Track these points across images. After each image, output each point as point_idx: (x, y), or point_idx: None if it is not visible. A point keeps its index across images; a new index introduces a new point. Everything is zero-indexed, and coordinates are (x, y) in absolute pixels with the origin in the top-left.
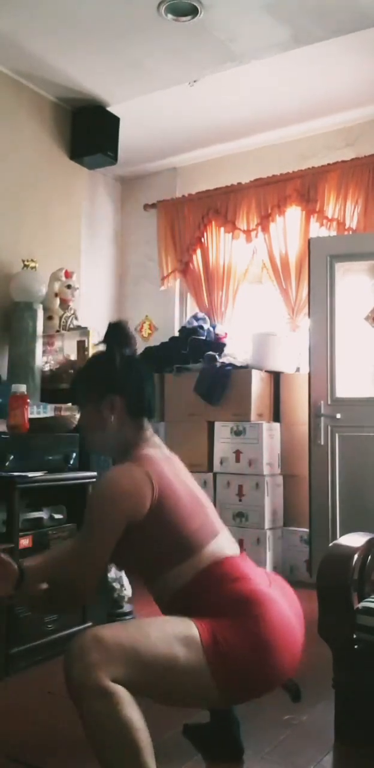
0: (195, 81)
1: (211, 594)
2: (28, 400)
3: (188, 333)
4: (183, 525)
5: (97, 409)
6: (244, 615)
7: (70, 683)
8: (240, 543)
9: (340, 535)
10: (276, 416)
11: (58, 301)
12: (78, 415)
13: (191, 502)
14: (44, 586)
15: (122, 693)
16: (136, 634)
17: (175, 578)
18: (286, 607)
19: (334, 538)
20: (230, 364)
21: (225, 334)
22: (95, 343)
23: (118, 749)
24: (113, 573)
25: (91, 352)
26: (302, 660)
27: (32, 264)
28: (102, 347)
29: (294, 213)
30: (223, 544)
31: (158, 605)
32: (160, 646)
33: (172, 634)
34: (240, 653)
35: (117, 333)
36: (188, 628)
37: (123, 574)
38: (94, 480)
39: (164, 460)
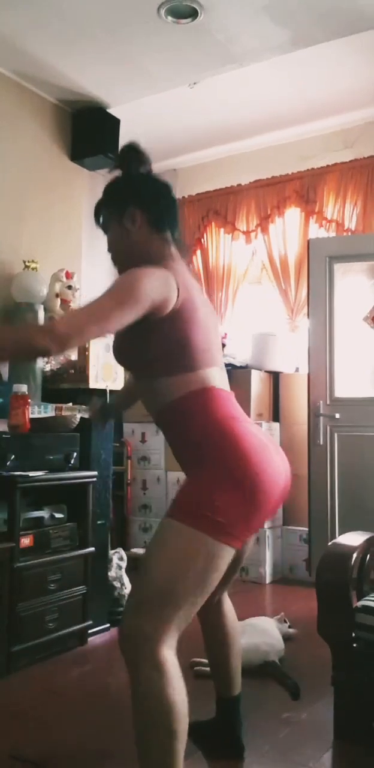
0: (195, 83)
1: (196, 416)
2: (29, 400)
3: None
4: (193, 339)
5: (121, 226)
6: (224, 445)
7: (127, 659)
8: None
9: (339, 534)
10: (276, 416)
11: (59, 301)
12: (107, 239)
13: (205, 321)
14: None
15: (175, 672)
16: (158, 580)
17: (168, 388)
18: (268, 443)
19: (333, 537)
20: (230, 365)
21: (225, 334)
22: (109, 170)
23: (157, 727)
24: (113, 572)
25: (92, 352)
26: (301, 658)
27: (33, 265)
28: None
29: (293, 214)
30: (217, 375)
31: (148, 410)
32: (178, 570)
33: (174, 552)
34: (231, 502)
35: (130, 152)
36: (174, 532)
37: (123, 573)
38: (95, 479)
39: (191, 279)
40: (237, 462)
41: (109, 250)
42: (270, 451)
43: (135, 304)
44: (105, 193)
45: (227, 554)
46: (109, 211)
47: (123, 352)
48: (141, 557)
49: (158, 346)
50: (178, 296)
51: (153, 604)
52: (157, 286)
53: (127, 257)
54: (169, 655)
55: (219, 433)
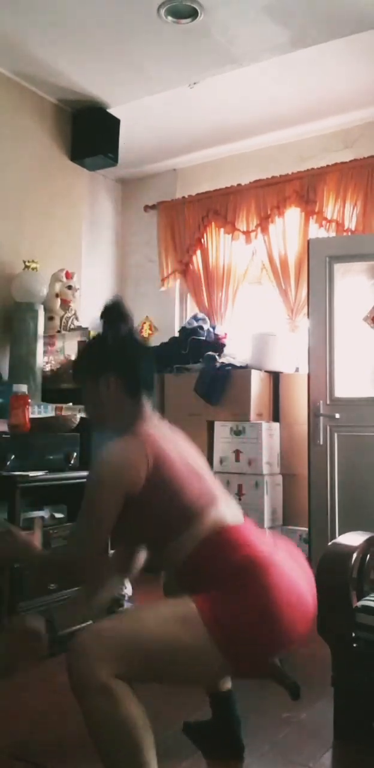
0: (195, 83)
1: (215, 562)
2: (29, 400)
3: (188, 333)
4: (179, 495)
5: (95, 388)
6: (248, 581)
7: (72, 680)
8: None
9: (339, 534)
10: (276, 416)
11: (58, 301)
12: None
13: (188, 473)
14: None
15: (123, 690)
16: (136, 624)
17: (177, 550)
18: (293, 570)
19: (333, 537)
20: (230, 365)
21: (225, 334)
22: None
23: (119, 746)
24: None
25: None
26: (301, 658)
27: (33, 265)
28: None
29: (293, 214)
30: (224, 511)
31: (166, 581)
32: (160, 632)
33: (170, 617)
34: (242, 620)
35: (112, 312)
36: (185, 606)
37: None
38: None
39: (161, 435)
40: (262, 590)
41: (83, 404)
42: (297, 579)
43: (110, 509)
44: (83, 354)
45: (224, 671)
46: (85, 369)
47: (127, 538)
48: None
49: (152, 518)
50: (148, 464)
51: (126, 649)
52: (124, 479)
53: (99, 418)
54: (112, 679)
55: (241, 564)
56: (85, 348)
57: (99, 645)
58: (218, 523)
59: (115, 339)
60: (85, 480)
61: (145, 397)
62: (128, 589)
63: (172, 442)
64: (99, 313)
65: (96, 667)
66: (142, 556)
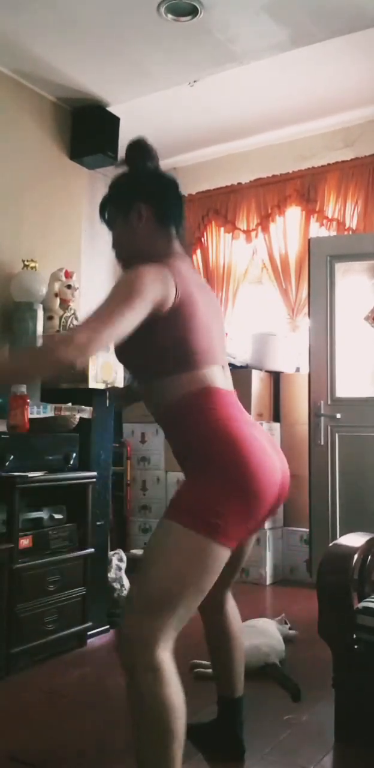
0: (195, 81)
1: (194, 419)
2: (28, 400)
3: None
4: (192, 338)
5: (126, 221)
6: (220, 452)
7: (123, 659)
8: None
9: (340, 535)
10: (276, 416)
11: (58, 301)
12: (111, 236)
13: (206, 323)
14: None
15: (170, 675)
16: (156, 580)
17: (167, 388)
18: (264, 443)
19: (334, 538)
20: (230, 364)
21: (225, 334)
22: (116, 164)
23: (155, 730)
24: (113, 573)
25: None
26: (302, 660)
27: (32, 264)
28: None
29: (294, 213)
30: (218, 374)
31: (149, 409)
32: (169, 572)
33: (168, 552)
34: (219, 500)
35: (137, 147)
36: (169, 530)
37: (123, 574)
38: (94, 480)
39: (191, 275)
40: (235, 465)
41: (114, 246)
42: (269, 454)
43: (141, 302)
44: (111, 189)
45: (223, 555)
46: (115, 207)
47: (124, 351)
48: (140, 558)
49: (157, 345)
50: (176, 294)
51: (150, 606)
52: (157, 284)
53: (131, 253)
54: (165, 656)
55: (218, 436)
56: (112, 183)
57: (141, 622)
58: (209, 383)
59: (143, 171)
60: (84, 480)
61: (175, 232)
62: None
63: (200, 288)
64: (124, 152)
65: (145, 647)
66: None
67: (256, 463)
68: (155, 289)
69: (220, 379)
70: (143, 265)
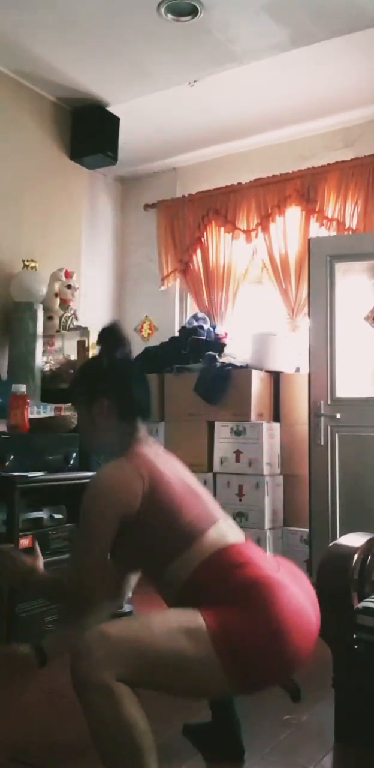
0: (195, 81)
1: (218, 582)
2: (28, 400)
3: (188, 333)
4: (178, 514)
5: (89, 412)
6: (253, 601)
7: (75, 679)
8: None
9: (340, 535)
10: (276, 416)
11: (58, 301)
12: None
13: (185, 492)
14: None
15: (126, 692)
16: (142, 630)
17: (178, 571)
18: (298, 591)
19: (334, 538)
20: (230, 364)
21: (225, 334)
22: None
23: (120, 748)
24: None
25: (91, 352)
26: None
27: (32, 264)
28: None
29: (294, 213)
30: (225, 531)
31: (166, 603)
32: (165, 641)
33: (177, 628)
34: (251, 641)
35: (108, 336)
36: (194, 619)
37: None
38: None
39: (156, 456)
40: (266, 609)
41: (78, 428)
42: (301, 597)
43: (106, 530)
44: (77, 376)
45: (225, 689)
46: (78, 393)
47: (126, 562)
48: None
49: (150, 540)
50: (144, 485)
51: (128, 652)
52: (120, 500)
53: (93, 443)
54: (114, 681)
55: (244, 582)
56: (79, 371)
57: (104, 646)
58: (220, 542)
59: (110, 363)
60: (84, 480)
61: (140, 422)
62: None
63: (168, 463)
64: (96, 338)
65: (99, 668)
66: (133, 579)
67: (289, 609)
68: (118, 500)
69: (229, 534)
70: (98, 489)
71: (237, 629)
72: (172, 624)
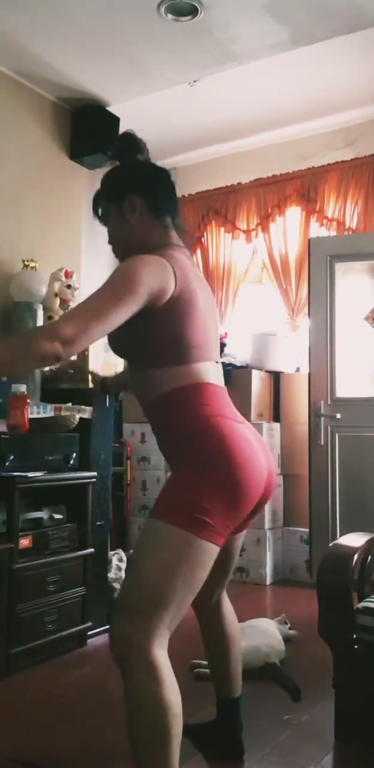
0: (195, 81)
1: (183, 413)
2: (28, 400)
3: None
4: (188, 333)
5: (120, 215)
6: (208, 448)
7: (122, 662)
8: None
9: (340, 535)
10: (276, 416)
11: (58, 301)
12: (107, 231)
13: (203, 318)
14: None
15: (166, 673)
16: (146, 579)
17: (159, 380)
18: (250, 438)
19: (334, 538)
20: (230, 364)
21: (225, 334)
22: (106, 162)
23: (151, 729)
24: (113, 574)
25: (91, 352)
26: (302, 660)
27: (32, 264)
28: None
29: (294, 213)
30: (211, 370)
31: (139, 399)
32: (159, 570)
33: (156, 549)
34: (216, 505)
35: (126, 141)
36: (157, 528)
37: (123, 574)
38: (94, 480)
39: (191, 268)
40: (222, 461)
41: (110, 241)
42: (256, 452)
43: (134, 296)
44: (103, 184)
45: (211, 550)
46: (107, 201)
47: (117, 341)
48: (130, 558)
49: (152, 337)
50: (175, 287)
51: (142, 606)
52: (154, 276)
53: (128, 246)
54: (160, 656)
55: (205, 431)
56: (104, 178)
57: (136, 619)
58: (203, 377)
59: (135, 162)
60: (84, 480)
61: (171, 221)
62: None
63: (199, 281)
64: (113, 148)
65: (139, 647)
66: None
67: (243, 460)
68: (151, 281)
69: (214, 375)
70: (141, 256)
71: (190, 493)
72: (153, 551)
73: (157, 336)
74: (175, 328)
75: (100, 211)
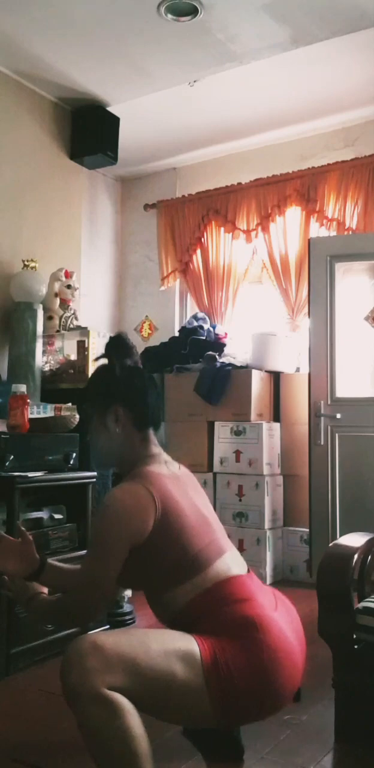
0: (195, 81)
1: (215, 614)
2: (28, 400)
3: (188, 333)
4: (188, 544)
5: (103, 421)
6: (247, 639)
7: (67, 687)
8: (240, 543)
9: (340, 535)
10: (276, 416)
11: (58, 301)
12: (88, 430)
13: (197, 521)
14: (45, 590)
15: (120, 700)
16: (136, 645)
17: (178, 597)
18: (290, 632)
19: (334, 538)
20: (230, 364)
21: (225, 334)
22: (94, 359)
23: (115, 757)
24: None
25: (91, 352)
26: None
27: (32, 264)
28: (102, 361)
29: (294, 213)
30: (229, 563)
31: (161, 623)
32: (159, 661)
33: (172, 649)
34: (240, 677)
35: (117, 345)
36: (189, 644)
37: None
38: (94, 480)
39: (170, 478)
40: (258, 651)
41: (90, 440)
42: (294, 648)
43: (117, 556)
44: (89, 385)
45: (206, 717)
46: (92, 402)
47: (129, 582)
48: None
49: (155, 565)
50: (156, 511)
51: (113, 660)
52: (132, 528)
53: (107, 453)
54: (112, 692)
55: (245, 628)
56: (92, 378)
57: (98, 656)
58: (222, 574)
59: (123, 370)
60: (84, 480)
61: (153, 433)
62: (128, 591)
63: (182, 486)
64: (103, 348)
65: (91, 677)
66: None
67: (278, 654)
68: (128, 531)
69: (233, 566)
70: (114, 506)
71: (229, 664)
72: (168, 645)
73: (161, 561)
74: (173, 546)
75: (86, 407)
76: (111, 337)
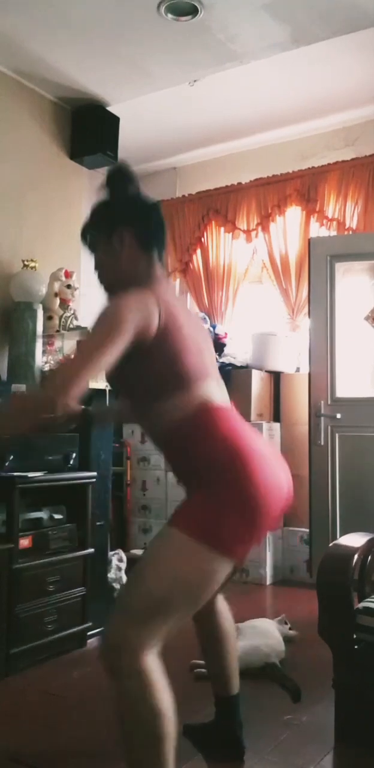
0: (195, 81)
1: (200, 444)
2: None
3: None
4: (181, 357)
5: (108, 246)
6: (229, 472)
7: (111, 667)
8: None
9: (340, 535)
10: (276, 416)
11: (57, 301)
12: (93, 259)
13: (193, 340)
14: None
15: (156, 677)
16: (144, 589)
17: (165, 412)
18: (270, 457)
19: (334, 538)
20: (230, 364)
21: (225, 334)
22: (98, 189)
23: (143, 736)
24: (113, 573)
25: None
26: (302, 660)
27: (32, 264)
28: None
29: (294, 213)
30: (214, 390)
31: (146, 433)
32: (166, 580)
33: (166, 558)
34: (226, 514)
35: (118, 173)
36: (171, 538)
37: (123, 574)
38: (94, 480)
39: (173, 297)
40: (242, 482)
41: (96, 269)
42: (274, 468)
43: (121, 335)
44: (93, 214)
45: (225, 567)
46: (97, 231)
47: (119, 384)
48: (138, 560)
49: (150, 370)
50: (160, 318)
51: (144, 614)
52: (138, 312)
53: (114, 277)
54: (151, 661)
55: (223, 452)
56: (94, 208)
57: (131, 625)
58: (206, 400)
59: (125, 195)
60: (83, 480)
61: (157, 256)
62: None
63: (182, 307)
64: (104, 180)
65: (133, 652)
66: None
67: (263, 479)
68: (136, 318)
69: (217, 394)
70: (124, 296)
71: (210, 509)
72: (161, 559)
73: (154, 369)
74: (169, 357)
75: (88, 238)
76: (112, 167)
